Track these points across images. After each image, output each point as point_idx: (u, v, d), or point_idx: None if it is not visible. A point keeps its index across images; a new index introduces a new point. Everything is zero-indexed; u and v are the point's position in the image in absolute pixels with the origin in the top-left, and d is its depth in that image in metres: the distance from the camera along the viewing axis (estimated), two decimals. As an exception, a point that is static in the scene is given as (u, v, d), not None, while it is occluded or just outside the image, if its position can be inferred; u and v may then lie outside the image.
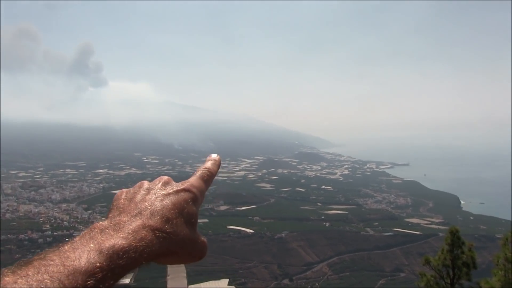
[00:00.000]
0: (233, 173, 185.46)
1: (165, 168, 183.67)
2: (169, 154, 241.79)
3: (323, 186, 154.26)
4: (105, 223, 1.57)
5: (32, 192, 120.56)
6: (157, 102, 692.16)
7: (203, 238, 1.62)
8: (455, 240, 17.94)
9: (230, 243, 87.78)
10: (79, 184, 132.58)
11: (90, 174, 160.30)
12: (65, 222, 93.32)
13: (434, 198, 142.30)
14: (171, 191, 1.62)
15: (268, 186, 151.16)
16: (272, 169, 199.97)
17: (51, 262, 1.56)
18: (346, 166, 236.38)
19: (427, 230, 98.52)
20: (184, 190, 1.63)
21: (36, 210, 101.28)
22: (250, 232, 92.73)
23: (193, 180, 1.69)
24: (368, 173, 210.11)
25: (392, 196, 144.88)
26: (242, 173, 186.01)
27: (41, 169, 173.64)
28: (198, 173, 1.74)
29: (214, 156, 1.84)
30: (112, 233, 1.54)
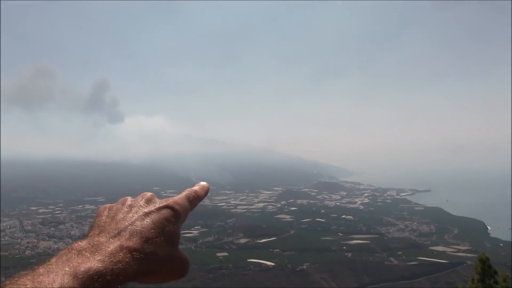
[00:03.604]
0: (252, 205, 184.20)
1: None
2: (187, 187, 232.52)
3: (344, 216, 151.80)
4: (83, 243, 1.57)
5: (52, 228, 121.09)
6: (174, 136, 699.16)
7: (185, 256, 1.60)
8: (486, 268, 17.03)
9: (251, 276, 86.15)
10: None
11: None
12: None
13: (459, 225, 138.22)
14: (153, 208, 1.59)
15: (287, 217, 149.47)
16: (291, 200, 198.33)
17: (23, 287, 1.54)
18: (366, 194, 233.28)
19: (454, 258, 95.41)
20: (166, 207, 1.60)
21: (56, 246, 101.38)
22: (271, 264, 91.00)
23: (177, 198, 1.64)
24: (389, 201, 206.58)
25: (415, 223, 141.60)
26: (261, 204, 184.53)
27: (61, 205, 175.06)
28: (184, 193, 1.68)
29: (203, 183, 1.78)
30: (89, 255, 1.55)
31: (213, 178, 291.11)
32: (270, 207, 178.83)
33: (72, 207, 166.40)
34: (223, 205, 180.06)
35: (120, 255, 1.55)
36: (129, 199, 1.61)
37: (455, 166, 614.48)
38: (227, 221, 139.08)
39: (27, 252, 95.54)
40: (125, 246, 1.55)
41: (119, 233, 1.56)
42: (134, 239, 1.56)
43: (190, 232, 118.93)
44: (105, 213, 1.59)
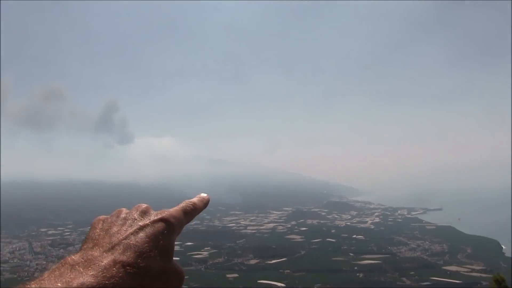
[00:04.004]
0: (262, 225, 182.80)
1: (193, 222, 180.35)
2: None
3: (355, 236, 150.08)
4: (76, 257, 1.55)
5: (61, 250, 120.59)
6: (184, 157, 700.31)
7: (179, 269, 1.57)
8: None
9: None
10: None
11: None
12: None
13: (472, 244, 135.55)
14: (147, 222, 1.56)
15: (298, 238, 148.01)
16: (302, 220, 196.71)
17: None
18: (376, 213, 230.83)
19: (469, 278, 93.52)
20: (161, 220, 1.57)
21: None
22: (281, 286, 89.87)
23: (173, 210, 1.60)
24: (399, 220, 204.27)
25: (427, 242, 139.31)
26: (271, 225, 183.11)
27: (70, 226, 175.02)
28: (181, 205, 1.63)
29: (203, 194, 1.75)
30: (82, 270, 1.54)
31: (222, 199, 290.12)
32: (280, 227, 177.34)
33: (81, 229, 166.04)
34: (232, 226, 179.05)
35: (114, 270, 1.53)
36: (124, 211, 1.58)
37: (465, 184, 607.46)
38: (237, 242, 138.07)
39: (36, 275, 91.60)
40: (119, 260, 1.53)
41: (113, 247, 1.54)
42: (128, 253, 1.54)
43: (200, 253, 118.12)
44: (99, 225, 1.56)
